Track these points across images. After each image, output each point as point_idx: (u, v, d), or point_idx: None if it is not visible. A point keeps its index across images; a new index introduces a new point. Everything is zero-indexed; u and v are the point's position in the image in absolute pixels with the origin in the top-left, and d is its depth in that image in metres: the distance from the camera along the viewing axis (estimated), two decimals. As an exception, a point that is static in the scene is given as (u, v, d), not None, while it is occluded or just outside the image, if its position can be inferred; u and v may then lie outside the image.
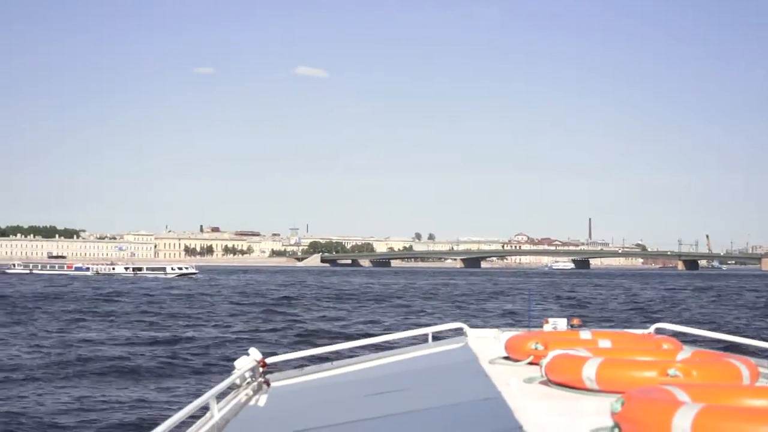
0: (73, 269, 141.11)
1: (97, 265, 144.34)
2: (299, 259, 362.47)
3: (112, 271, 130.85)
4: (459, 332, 8.42)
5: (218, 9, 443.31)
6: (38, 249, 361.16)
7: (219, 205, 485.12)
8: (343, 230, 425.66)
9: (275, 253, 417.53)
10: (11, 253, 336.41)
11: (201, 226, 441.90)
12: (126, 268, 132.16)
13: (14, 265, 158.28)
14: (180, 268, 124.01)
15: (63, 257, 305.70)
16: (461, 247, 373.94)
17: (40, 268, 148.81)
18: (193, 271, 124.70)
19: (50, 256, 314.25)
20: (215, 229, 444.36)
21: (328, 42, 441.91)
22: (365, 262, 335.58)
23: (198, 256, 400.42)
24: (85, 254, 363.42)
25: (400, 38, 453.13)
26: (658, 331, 7.80)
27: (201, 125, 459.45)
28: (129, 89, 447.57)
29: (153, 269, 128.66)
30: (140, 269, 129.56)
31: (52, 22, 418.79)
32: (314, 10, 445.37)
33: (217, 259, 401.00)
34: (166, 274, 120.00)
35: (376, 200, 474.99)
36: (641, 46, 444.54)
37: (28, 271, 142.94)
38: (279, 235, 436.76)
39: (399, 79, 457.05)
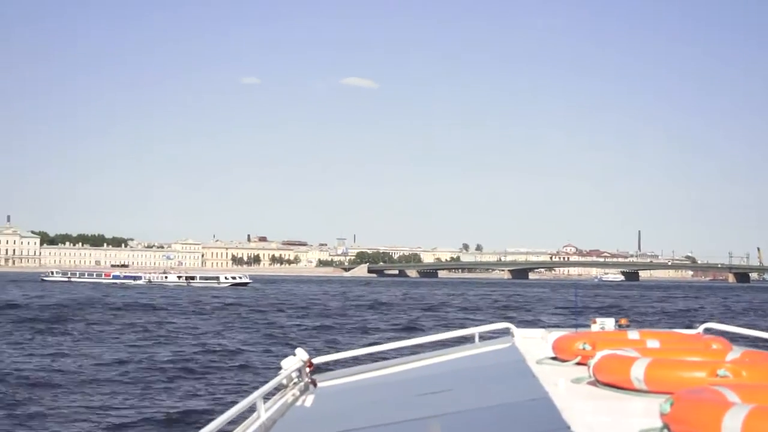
0: (111, 278, 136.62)
1: (150, 273, 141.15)
2: (346, 269, 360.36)
3: (164, 280, 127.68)
4: (506, 332, 8.36)
5: (264, 17, 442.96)
6: (86, 258, 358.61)
7: (266, 215, 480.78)
8: (390, 240, 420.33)
9: (322, 263, 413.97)
10: (60, 261, 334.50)
11: (248, 236, 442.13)
12: (179, 277, 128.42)
13: (52, 273, 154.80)
14: (233, 278, 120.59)
15: (125, 266, 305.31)
16: (509, 258, 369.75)
17: (78, 276, 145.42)
18: (247, 280, 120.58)
19: (115, 266, 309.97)
20: (262, 239, 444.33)
21: (377, 52, 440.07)
22: (412, 273, 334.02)
23: (245, 266, 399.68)
24: (134, 263, 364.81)
25: (447, 49, 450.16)
26: (707, 331, 7.71)
27: (248, 135, 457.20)
28: (175, 100, 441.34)
29: (206, 278, 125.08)
30: (193, 278, 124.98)
31: (123, 29, 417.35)
32: (362, 18, 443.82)
33: (264, 268, 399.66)
34: (219, 283, 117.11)
35: (424, 210, 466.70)
36: (698, 59, 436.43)
37: (66, 279, 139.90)
38: (326, 245, 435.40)
39: (442, 89, 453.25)
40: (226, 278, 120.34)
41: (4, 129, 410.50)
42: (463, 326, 13.83)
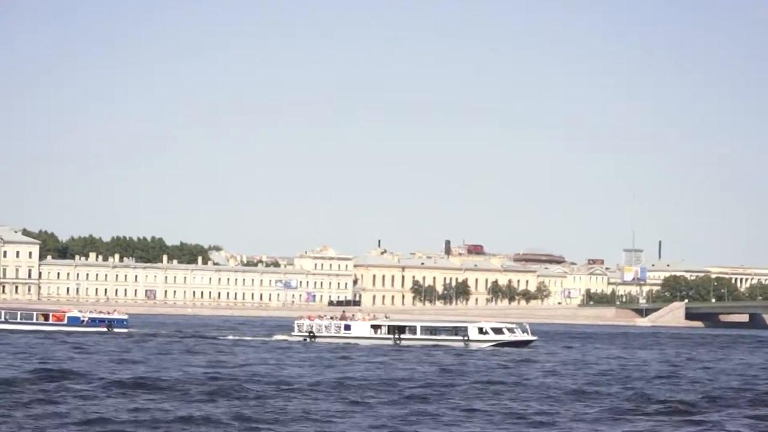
0: (65, 321, 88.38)
1: (306, 319, 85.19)
2: (642, 312, 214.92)
3: (348, 334, 79.69)
4: None
5: None
6: (128, 278, 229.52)
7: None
8: (716, 255, 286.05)
9: (591, 298, 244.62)
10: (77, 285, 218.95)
11: (447, 244, 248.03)
12: (374, 328, 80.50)
13: None
14: (500, 330, 79.10)
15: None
16: None
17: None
18: (528, 337, 79.59)
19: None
20: (475, 249, 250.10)
21: None
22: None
23: (439, 303, 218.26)
24: (218, 293, 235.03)
25: None
26: None
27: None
28: None
29: (432, 331, 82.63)
30: (402, 330, 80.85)
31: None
32: None
33: (475, 308, 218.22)
34: (468, 340, 76.99)
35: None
36: None
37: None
38: (597, 262, 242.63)
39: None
40: (482, 331, 78.57)
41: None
42: None
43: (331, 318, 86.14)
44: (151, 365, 49.55)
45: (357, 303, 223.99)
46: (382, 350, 69.16)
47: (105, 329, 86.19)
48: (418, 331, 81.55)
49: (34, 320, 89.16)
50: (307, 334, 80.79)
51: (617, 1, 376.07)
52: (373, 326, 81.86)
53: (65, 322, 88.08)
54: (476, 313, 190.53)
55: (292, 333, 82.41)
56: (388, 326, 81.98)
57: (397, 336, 79.74)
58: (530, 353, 71.66)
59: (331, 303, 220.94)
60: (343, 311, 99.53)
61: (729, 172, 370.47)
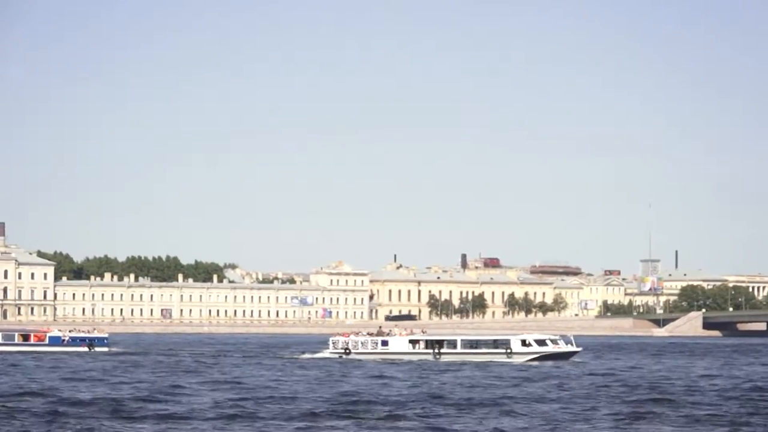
0: (46, 341, 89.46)
1: (339, 336, 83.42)
2: (660, 322, 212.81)
3: (385, 350, 78.78)
4: None
5: None
6: (144, 298, 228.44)
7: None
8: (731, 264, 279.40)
9: (608, 309, 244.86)
10: (92, 313, 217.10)
11: (463, 257, 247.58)
12: (412, 343, 79.62)
13: None
14: (543, 342, 77.84)
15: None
16: None
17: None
18: (572, 348, 78.04)
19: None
20: (491, 262, 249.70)
21: None
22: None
23: (455, 316, 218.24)
24: (235, 311, 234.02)
25: None
26: None
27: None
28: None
29: (472, 345, 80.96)
30: (440, 344, 78.80)
31: None
32: None
33: (491, 321, 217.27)
34: (511, 353, 75.64)
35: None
36: None
37: None
38: (614, 273, 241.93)
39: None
40: (525, 343, 77.67)
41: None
42: None
43: (368, 334, 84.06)
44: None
45: (412, 317, 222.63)
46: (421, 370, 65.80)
47: (86, 348, 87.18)
48: (459, 345, 79.43)
49: (15, 341, 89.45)
50: (343, 350, 78.99)
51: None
52: (411, 341, 79.95)
53: (46, 342, 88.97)
54: (493, 326, 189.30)
55: (327, 350, 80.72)
56: (427, 341, 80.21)
57: (436, 350, 77.63)
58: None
59: (388, 318, 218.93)
60: (380, 327, 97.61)
61: (745, 181, 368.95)
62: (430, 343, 79.04)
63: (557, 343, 77.77)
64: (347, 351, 78.57)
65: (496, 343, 79.90)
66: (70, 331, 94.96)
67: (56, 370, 60.83)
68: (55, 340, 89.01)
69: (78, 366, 65.89)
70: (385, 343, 79.37)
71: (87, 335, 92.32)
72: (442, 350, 77.57)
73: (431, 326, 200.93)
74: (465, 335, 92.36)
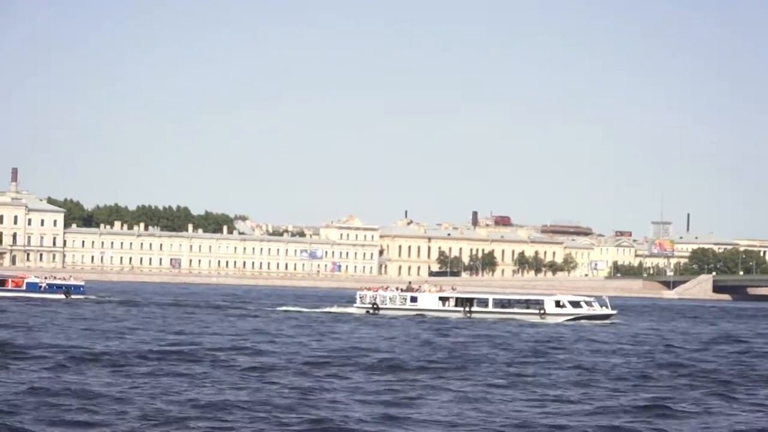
0: (24, 287, 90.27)
1: (368, 290, 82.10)
2: (670, 284, 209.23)
3: (414, 306, 75.93)
4: None
5: None
6: (153, 247, 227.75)
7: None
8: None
9: (618, 270, 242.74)
10: (101, 254, 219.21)
11: (474, 215, 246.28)
12: (442, 300, 77.24)
13: None
14: (578, 303, 75.22)
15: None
16: None
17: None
18: (607, 311, 75.37)
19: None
20: (502, 220, 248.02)
21: None
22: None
23: (465, 274, 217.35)
24: (248, 263, 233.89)
25: None
26: None
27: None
28: None
29: (506, 304, 79.12)
30: (470, 302, 76.92)
31: None
32: None
33: (501, 279, 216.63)
34: (544, 314, 72.84)
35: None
36: None
37: None
38: (625, 234, 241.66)
39: None
40: (559, 304, 75.04)
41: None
42: None
43: (397, 289, 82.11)
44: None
45: (456, 273, 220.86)
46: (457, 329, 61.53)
47: (62, 295, 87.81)
48: (490, 303, 77.33)
49: None
50: (371, 305, 76.48)
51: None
52: (441, 298, 77.67)
53: (23, 288, 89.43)
54: (503, 285, 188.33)
55: (354, 305, 78.27)
56: (457, 298, 77.88)
57: (467, 309, 75.48)
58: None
59: (431, 273, 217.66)
60: (409, 282, 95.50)
61: (758, 145, 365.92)
62: (460, 301, 77.01)
63: (591, 305, 75.30)
64: (375, 306, 76.24)
65: (528, 303, 78.12)
66: (46, 278, 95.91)
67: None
68: (33, 287, 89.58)
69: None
70: (414, 300, 77.48)
71: (64, 282, 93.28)
72: (473, 308, 76.01)
73: (441, 282, 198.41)
74: (496, 294, 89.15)
